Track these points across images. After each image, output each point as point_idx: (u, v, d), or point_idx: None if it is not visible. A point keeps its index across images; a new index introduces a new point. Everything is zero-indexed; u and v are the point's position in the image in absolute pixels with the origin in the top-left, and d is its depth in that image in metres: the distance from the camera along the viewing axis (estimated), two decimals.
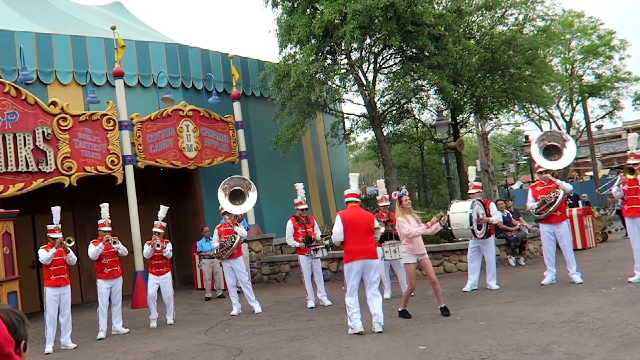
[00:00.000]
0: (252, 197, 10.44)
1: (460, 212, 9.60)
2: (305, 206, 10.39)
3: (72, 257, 8.83)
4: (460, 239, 10.01)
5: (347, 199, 7.82)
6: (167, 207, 10.49)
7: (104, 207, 9.67)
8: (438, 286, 8.03)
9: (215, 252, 10.43)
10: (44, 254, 8.59)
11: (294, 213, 10.48)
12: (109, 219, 9.62)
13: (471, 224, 9.40)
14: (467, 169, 11.12)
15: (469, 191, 10.29)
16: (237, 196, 10.35)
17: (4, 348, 1.95)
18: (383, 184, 10.51)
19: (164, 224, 10.18)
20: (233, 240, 10.05)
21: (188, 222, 15.15)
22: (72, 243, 8.91)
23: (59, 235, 8.77)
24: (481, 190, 10.58)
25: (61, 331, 8.70)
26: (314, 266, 10.21)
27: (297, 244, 10.13)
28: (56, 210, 8.99)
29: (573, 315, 7.09)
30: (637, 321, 6.43)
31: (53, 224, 8.88)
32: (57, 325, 8.68)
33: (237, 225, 10.35)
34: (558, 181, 9.87)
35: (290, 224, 10.25)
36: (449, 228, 9.63)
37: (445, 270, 12.13)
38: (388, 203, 10.28)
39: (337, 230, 7.44)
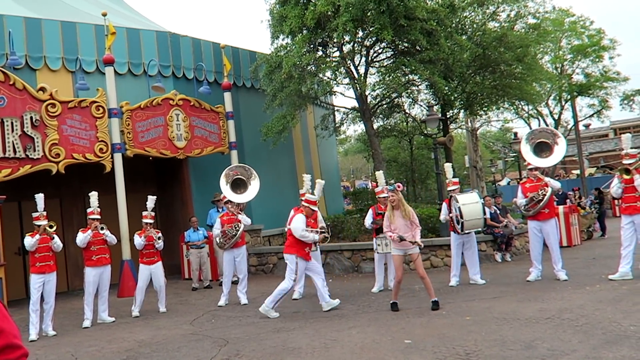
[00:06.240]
0: (254, 186, 10.38)
1: (471, 202, 9.52)
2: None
3: (57, 243, 8.84)
4: (467, 231, 9.79)
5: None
6: (155, 197, 10.45)
7: (93, 196, 9.64)
8: (427, 280, 8.09)
9: (217, 241, 10.33)
10: (29, 241, 8.66)
11: (283, 204, 10.43)
12: (98, 207, 9.59)
13: (484, 213, 9.44)
14: (444, 166, 11.09)
15: (449, 187, 10.27)
16: (238, 185, 10.29)
17: (19, 339, 1.92)
18: (382, 175, 10.49)
19: (153, 214, 10.17)
20: (237, 228, 9.99)
21: (176, 212, 15.09)
22: (54, 228, 8.89)
23: (43, 222, 8.78)
24: (459, 187, 10.58)
25: (43, 317, 8.71)
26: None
27: None
28: (40, 198, 8.99)
29: (557, 311, 7.17)
30: (620, 319, 6.52)
31: (37, 211, 8.89)
32: (40, 312, 8.68)
33: (241, 213, 10.30)
34: (547, 179, 9.93)
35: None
36: (461, 220, 9.53)
37: (432, 265, 12.19)
38: (387, 194, 10.29)
39: None
